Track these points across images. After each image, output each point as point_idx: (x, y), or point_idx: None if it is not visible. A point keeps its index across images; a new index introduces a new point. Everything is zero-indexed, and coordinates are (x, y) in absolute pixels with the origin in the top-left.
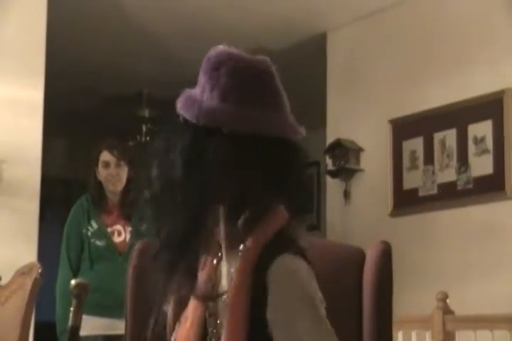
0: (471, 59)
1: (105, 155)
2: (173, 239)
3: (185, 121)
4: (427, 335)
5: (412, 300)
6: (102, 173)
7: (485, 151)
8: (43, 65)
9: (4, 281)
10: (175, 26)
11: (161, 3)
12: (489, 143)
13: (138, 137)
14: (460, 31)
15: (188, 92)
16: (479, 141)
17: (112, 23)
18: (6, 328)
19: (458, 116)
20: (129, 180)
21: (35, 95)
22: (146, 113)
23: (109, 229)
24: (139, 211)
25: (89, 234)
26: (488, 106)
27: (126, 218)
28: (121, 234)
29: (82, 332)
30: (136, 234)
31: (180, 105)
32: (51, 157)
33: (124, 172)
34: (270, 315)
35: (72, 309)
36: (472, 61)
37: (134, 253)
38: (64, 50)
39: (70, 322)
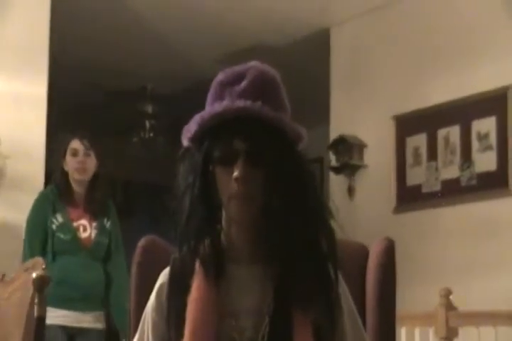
0: (475, 55)
1: (75, 143)
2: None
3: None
4: (431, 331)
5: (415, 297)
6: (69, 162)
7: (488, 147)
8: (46, 61)
9: (8, 277)
10: (179, 22)
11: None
12: (493, 139)
13: (141, 133)
14: (464, 27)
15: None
16: (483, 137)
17: (116, 19)
18: (11, 324)
19: (461, 112)
20: (96, 175)
21: (39, 91)
22: (150, 109)
23: (74, 224)
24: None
25: (54, 227)
26: (492, 103)
27: (92, 213)
28: (86, 229)
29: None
30: (102, 231)
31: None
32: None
33: (92, 162)
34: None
35: (36, 301)
36: (476, 57)
37: (138, 250)
38: (69, 46)
39: (35, 313)
